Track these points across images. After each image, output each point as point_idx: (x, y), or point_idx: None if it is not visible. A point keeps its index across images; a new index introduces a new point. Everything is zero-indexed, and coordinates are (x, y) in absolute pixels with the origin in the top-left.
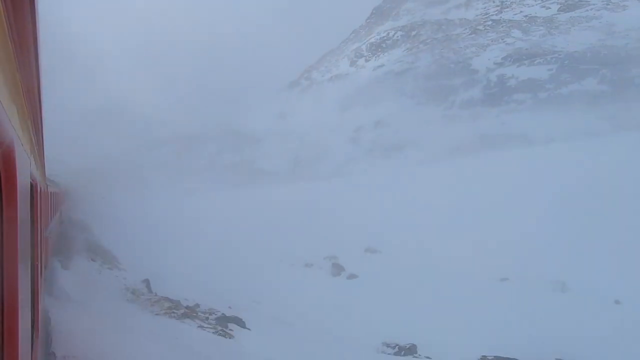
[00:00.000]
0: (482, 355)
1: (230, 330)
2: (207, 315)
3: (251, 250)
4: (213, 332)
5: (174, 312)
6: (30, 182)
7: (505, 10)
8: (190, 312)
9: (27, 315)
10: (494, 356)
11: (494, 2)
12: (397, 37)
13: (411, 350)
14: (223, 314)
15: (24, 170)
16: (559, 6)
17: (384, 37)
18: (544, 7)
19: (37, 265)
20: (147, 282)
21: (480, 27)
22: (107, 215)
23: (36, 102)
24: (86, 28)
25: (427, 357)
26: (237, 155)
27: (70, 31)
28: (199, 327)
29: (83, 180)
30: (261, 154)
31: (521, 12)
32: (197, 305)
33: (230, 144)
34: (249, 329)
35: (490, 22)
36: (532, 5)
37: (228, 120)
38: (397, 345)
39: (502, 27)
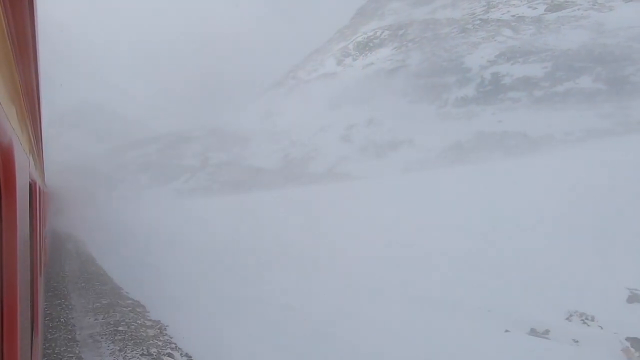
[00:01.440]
0: None
1: None
2: None
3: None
4: None
5: None
6: (29, 182)
7: (492, 10)
8: None
9: (27, 314)
10: None
11: (480, 2)
12: (385, 36)
13: None
14: None
15: (23, 170)
16: (545, 6)
17: (370, 36)
18: (530, 7)
19: (36, 264)
20: None
21: (469, 26)
22: (101, 228)
23: (35, 103)
24: (65, 23)
25: None
26: (224, 155)
27: (50, 28)
28: None
29: (65, 180)
30: (249, 153)
31: (508, 11)
32: None
33: (216, 143)
34: None
35: (478, 22)
36: (519, 6)
37: (212, 120)
38: None
39: (491, 26)
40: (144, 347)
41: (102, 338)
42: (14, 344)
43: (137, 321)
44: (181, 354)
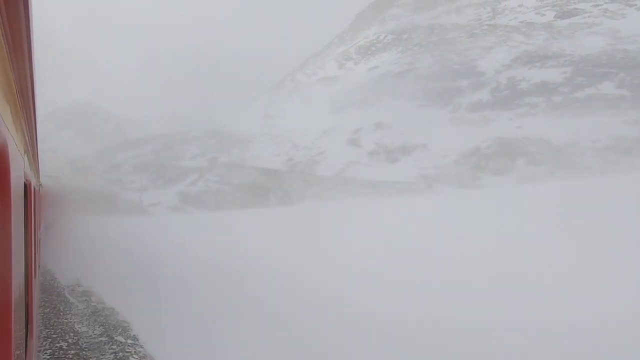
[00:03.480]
0: None
1: None
2: None
3: None
4: None
5: None
6: (24, 182)
7: (498, 16)
8: None
9: (21, 315)
10: None
11: (484, 8)
12: (388, 40)
13: None
14: None
15: (18, 170)
16: (554, 13)
17: (373, 40)
18: (538, 14)
19: (30, 265)
20: None
21: (477, 31)
22: (118, 268)
23: (30, 102)
24: (58, 21)
25: None
26: (225, 157)
27: (43, 25)
28: None
29: (55, 184)
30: (251, 156)
31: (516, 18)
32: None
33: (215, 145)
34: None
35: (486, 27)
36: (526, 12)
37: (209, 121)
38: None
39: (501, 31)
40: None
41: None
42: (7, 346)
43: None
44: None
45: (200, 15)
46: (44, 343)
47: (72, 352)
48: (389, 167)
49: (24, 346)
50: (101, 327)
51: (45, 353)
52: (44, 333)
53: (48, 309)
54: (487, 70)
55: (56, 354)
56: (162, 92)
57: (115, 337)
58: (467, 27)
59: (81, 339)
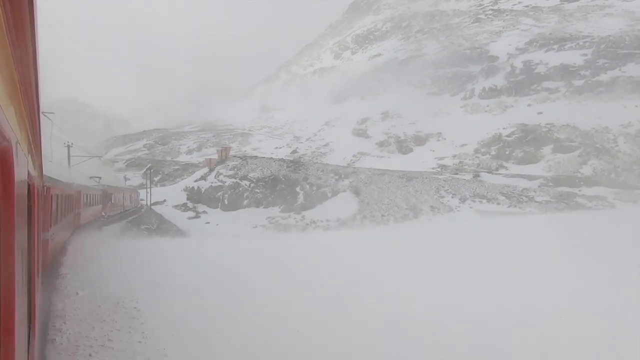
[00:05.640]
0: None
1: None
2: None
3: None
4: None
5: None
6: (28, 182)
7: (500, 1)
8: None
9: (24, 314)
10: None
11: None
12: (386, 28)
13: None
14: None
15: (22, 170)
16: None
17: (370, 28)
18: None
19: (34, 264)
20: None
21: (482, 16)
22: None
23: (34, 102)
24: (42, 16)
25: None
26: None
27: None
28: None
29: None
30: (250, 149)
31: (520, 2)
32: None
33: (212, 139)
34: None
35: (490, 12)
36: None
37: (202, 115)
38: None
39: (508, 15)
40: None
41: None
42: (10, 344)
43: None
44: None
45: (189, 7)
46: None
47: None
48: (402, 158)
49: (27, 345)
50: None
51: None
52: None
53: None
54: (499, 54)
55: None
56: (151, 87)
57: None
58: (470, 13)
59: None
